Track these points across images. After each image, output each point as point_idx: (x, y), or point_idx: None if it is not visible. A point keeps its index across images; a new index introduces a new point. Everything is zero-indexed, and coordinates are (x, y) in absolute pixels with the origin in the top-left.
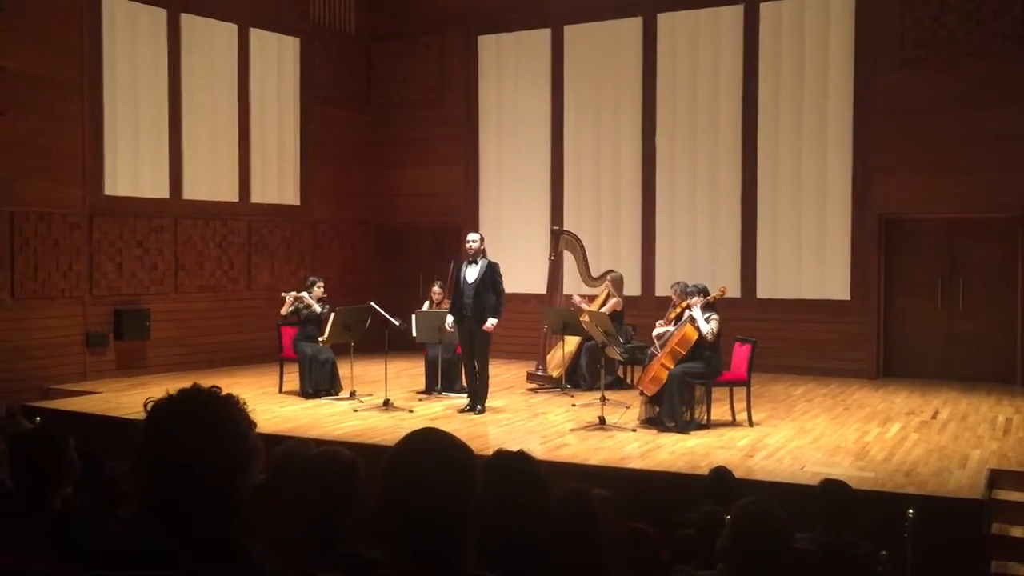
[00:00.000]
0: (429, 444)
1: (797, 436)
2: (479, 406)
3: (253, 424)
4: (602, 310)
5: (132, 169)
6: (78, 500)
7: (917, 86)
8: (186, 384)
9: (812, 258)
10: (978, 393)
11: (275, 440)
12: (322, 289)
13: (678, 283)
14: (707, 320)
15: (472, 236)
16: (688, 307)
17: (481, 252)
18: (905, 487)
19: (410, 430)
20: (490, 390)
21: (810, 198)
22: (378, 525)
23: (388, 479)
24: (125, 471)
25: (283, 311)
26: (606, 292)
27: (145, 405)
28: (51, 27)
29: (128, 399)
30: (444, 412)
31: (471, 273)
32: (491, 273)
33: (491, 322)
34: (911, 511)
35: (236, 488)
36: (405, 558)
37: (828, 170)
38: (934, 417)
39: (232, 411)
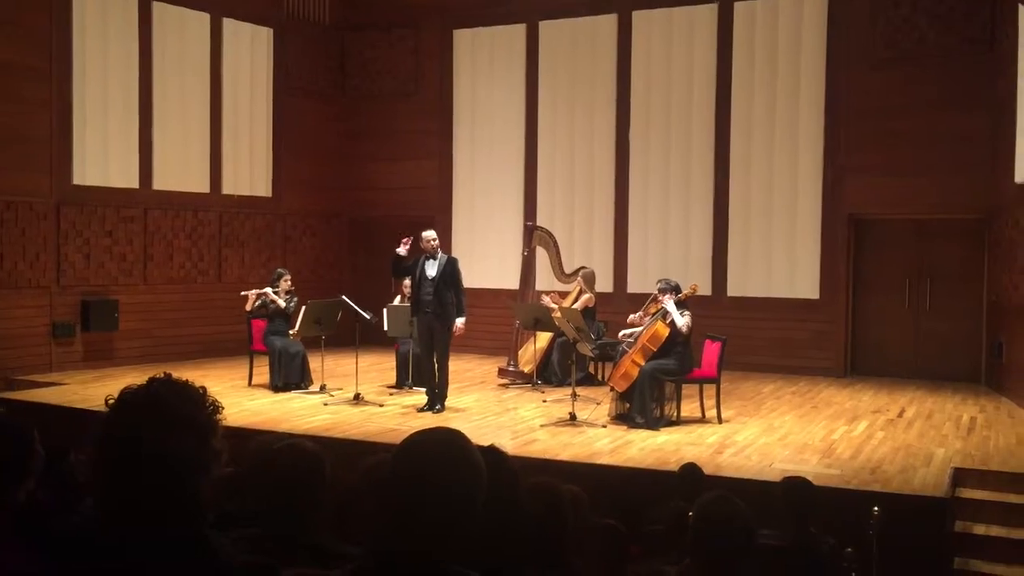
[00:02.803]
0: (445, 446)
1: (765, 433)
2: (438, 405)
3: (219, 419)
4: (574, 306)
5: (101, 158)
6: (42, 493)
7: (888, 87)
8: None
9: (782, 257)
10: (944, 392)
11: (244, 434)
12: (289, 282)
13: (663, 280)
14: (681, 315)
15: (429, 233)
16: (663, 303)
17: (439, 248)
18: (871, 485)
19: (416, 428)
20: (462, 385)
21: (781, 197)
22: (376, 522)
23: (399, 477)
24: (86, 463)
25: (248, 308)
26: (578, 288)
27: (106, 402)
28: (18, 13)
29: (95, 391)
30: (404, 411)
31: (430, 269)
32: (451, 269)
33: (460, 322)
34: (876, 508)
35: (199, 482)
36: (391, 555)
37: (799, 169)
38: (900, 415)
39: (197, 404)
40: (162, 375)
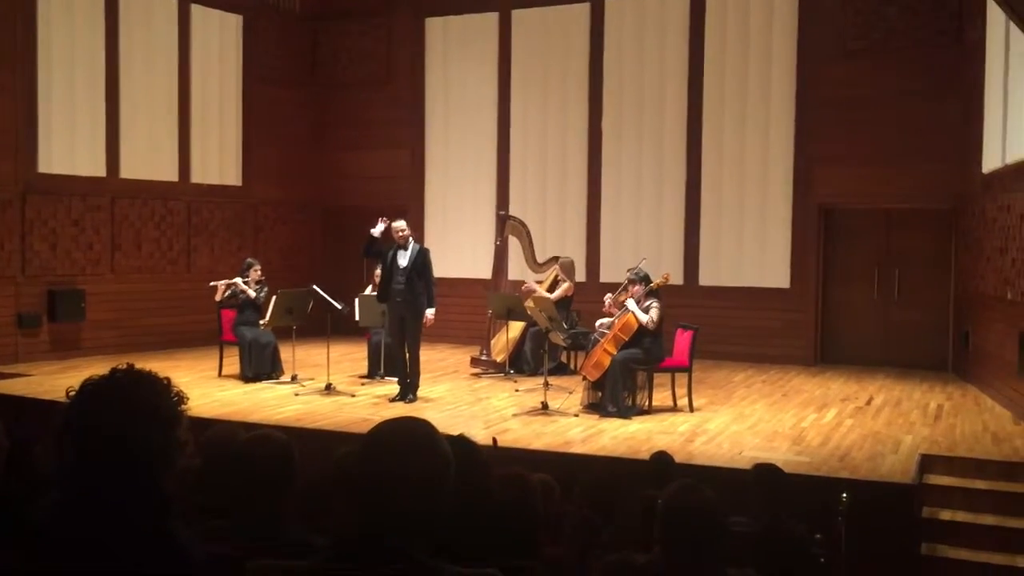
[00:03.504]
0: (411, 436)
1: (736, 421)
2: (410, 395)
3: (183, 410)
4: (555, 294)
5: (67, 146)
6: (7, 484)
7: (858, 77)
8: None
9: (753, 246)
10: (911, 380)
11: (214, 425)
12: (259, 272)
13: (633, 269)
14: (646, 309)
15: (399, 223)
16: (631, 295)
17: (410, 238)
18: (839, 471)
19: (386, 418)
20: (434, 374)
21: (752, 187)
22: (343, 512)
23: (365, 467)
24: (49, 455)
25: (217, 298)
26: (554, 276)
27: (67, 393)
28: None
29: (62, 382)
30: (376, 401)
31: (402, 259)
32: (422, 259)
33: (430, 312)
34: (845, 495)
35: (163, 473)
36: (359, 545)
37: (770, 159)
38: (868, 403)
39: (161, 394)
40: (125, 365)
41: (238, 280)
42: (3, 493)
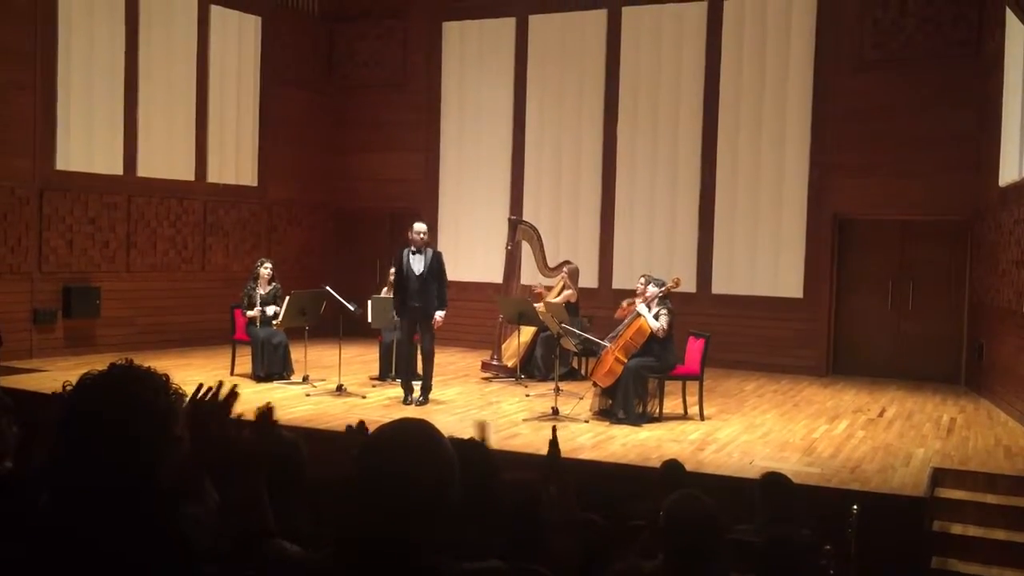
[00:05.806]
0: (416, 436)
1: (747, 431)
2: (422, 397)
3: (181, 407)
4: (557, 299)
5: (85, 143)
6: (15, 473)
7: (875, 88)
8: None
9: (767, 255)
10: (924, 392)
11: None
12: (269, 269)
13: (646, 275)
14: (657, 316)
15: (420, 226)
16: (645, 299)
17: (426, 242)
18: (850, 483)
19: (393, 419)
20: (445, 378)
21: (767, 196)
22: (344, 509)
23: (370, 464)
24: (46, 447)
25: (252, 313)
26: (562, 283)
27: (64, 387)
28: None
29: (75, 378)
30: (386, 402)
31: (417, 263)
32: (437, 263)
33: (440, 315)
34: (855, 507)
35: (159, 467)
36: (364, 544)
37: (786, 169)
38: (880, 415)
39: (157, 390)
40: (124, 361)
41: (257, 310)
42: (10, 485)
